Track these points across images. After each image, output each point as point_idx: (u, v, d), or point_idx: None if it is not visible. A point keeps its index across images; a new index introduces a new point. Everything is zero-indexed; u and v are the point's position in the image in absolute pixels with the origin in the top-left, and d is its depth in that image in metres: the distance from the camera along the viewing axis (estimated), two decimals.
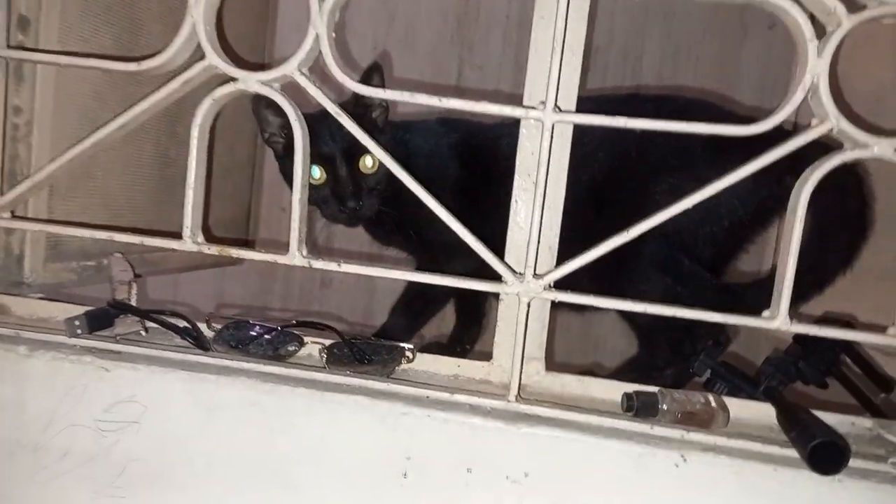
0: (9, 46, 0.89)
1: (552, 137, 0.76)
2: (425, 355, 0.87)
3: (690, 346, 1.06)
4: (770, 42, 1.82)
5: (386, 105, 1.16)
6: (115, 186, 1.21)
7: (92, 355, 0.82)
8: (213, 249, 0.81)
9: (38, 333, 0.85)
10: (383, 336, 0.98)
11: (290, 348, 0.87)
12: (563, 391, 0.84)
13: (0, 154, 0.90)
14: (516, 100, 0.81)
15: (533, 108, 0.76)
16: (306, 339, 0.88)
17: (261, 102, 1.12)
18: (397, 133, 1.20)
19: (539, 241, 0.78)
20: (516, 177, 0.84)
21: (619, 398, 0.82)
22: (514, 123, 0.81)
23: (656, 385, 0.81)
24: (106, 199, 1.19)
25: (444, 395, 0.78)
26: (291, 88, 0.82)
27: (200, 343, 0.84)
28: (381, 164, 1.09)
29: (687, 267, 1.05)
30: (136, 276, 1.01)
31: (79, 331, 0.84)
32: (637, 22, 1.87)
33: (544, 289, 0.77)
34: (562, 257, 0.79)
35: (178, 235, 0.83)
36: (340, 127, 1.01)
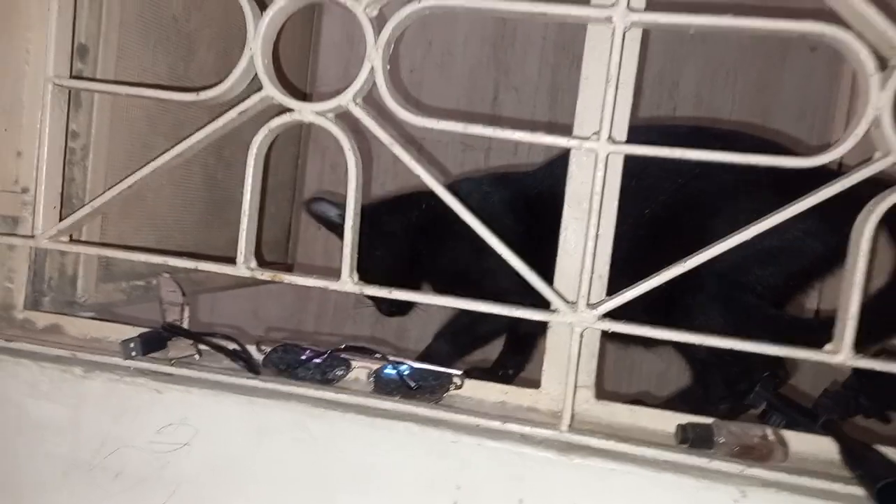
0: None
1: (606, 168, 0.75)
2: (472, 381, 0.86)
3: (747, 383, 1.04)
4: (812, 64, 1.80)
5: None
6: (164, 208, 1.23)
7: (145, 377, 0.83)
8: (267, 275, 0.81)
9: (93, 355, 0.86)
10: (427, 361, 0.98)
11: (338, 373, 0.87)
12: (612, 420, 0.83)
13: (60, 178, 0.92)
14: (556, 127, 0.81)
15: (586, 138, 0.76)
16: (354, 363, 0.88)
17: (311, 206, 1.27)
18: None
19: (592, 270, 0.77)
20: (566, 205, 0.83)
21: (670, 429, 0.80)
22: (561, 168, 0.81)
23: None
24: (156, 221, 1.21)
25: (495, 424, 0.77)
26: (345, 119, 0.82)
27: (251, 366, 0.84)
28: None
29: (745, 300, 1.03)
30: (184, 295, 1.02)
31: (133, 353, 0.84)
32: (673, 46, 1.86)
33: (598, 319, 0.76)
34: (616, 288, 0.78)
35: (226, 257, 0.84)
36: None
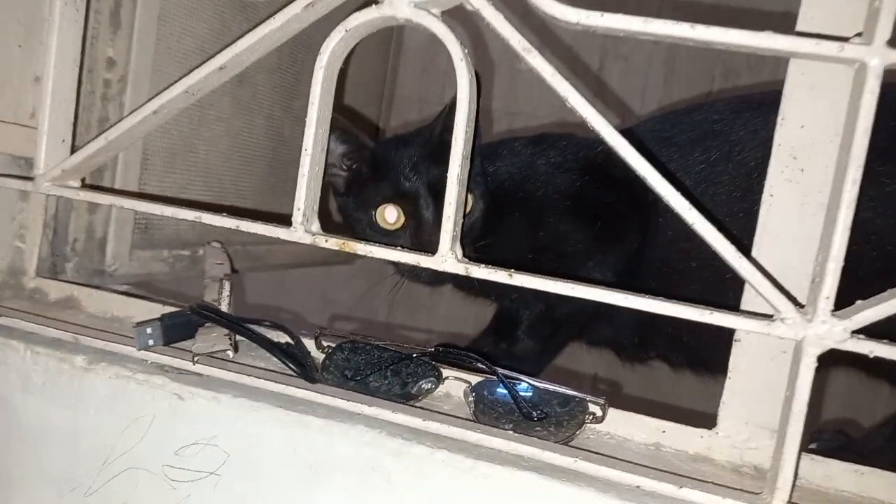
0: None
1: (873, 91, 0.44)
2: (613, 411, 0.57)
3: None
4: None
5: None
6: (219, 164, 0.98)
7: (164, 376, 0.58)
8: (332, 243, 0.54)
9: (101, 340, 0.61)
10: (510, 365, 0.65)
11: (425, 386, 0.59)
12: (830, 487, 0.52)
13: (71, 104, 0.67)
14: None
15: (843, 39, 0.45)
16: (446, 373, 0.60)
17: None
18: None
19: (827, 262, 0.46)
20: (773, 161, 0.53)
21: None
22: None
23: None
24: (208, 179, 0.96)
25: (668, 488, 0.47)
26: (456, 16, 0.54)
27: (305, 371, 0.57)
28: (477, 205, 0.81)
29: None
30: (234, 270, 0.77)
31: (150, 341, 0.59)
32: None
33: (850, 335, 0.45)
34: None
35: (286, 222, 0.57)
36: (425, 155, 0.82)
